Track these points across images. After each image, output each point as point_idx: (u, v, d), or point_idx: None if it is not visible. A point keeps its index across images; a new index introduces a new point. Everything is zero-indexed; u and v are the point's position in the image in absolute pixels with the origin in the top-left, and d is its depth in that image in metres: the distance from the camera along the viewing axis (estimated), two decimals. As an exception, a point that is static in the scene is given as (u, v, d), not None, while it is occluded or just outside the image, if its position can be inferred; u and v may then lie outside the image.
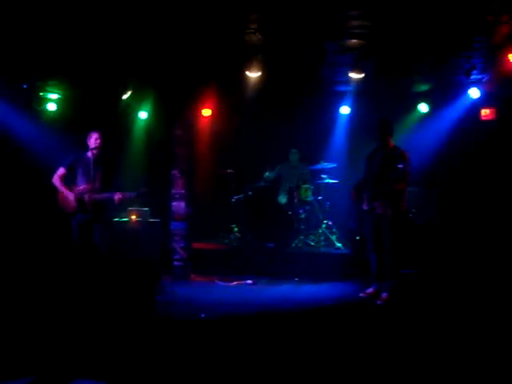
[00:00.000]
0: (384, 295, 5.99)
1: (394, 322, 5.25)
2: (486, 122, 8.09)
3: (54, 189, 6.18)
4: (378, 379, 3.79)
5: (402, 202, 6.04)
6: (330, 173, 8.75)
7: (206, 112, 9.53)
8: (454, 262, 6.86)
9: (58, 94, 8.45)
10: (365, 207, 6.17)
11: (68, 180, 6.18)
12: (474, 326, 4.90)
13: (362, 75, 7.13)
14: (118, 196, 6.03)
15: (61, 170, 6.13)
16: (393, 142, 6.20)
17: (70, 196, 6.07)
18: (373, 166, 6.21)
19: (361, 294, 6.29)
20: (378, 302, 5.97)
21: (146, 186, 6.41)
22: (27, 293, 5.89)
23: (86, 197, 6.05)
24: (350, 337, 4.79)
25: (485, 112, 8.10)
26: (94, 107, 8.37)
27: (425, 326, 5.04)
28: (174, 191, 7.63)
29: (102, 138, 6.18)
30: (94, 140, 6.12)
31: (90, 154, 6.17)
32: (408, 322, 5.20)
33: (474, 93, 7.97)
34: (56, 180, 6.14)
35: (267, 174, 8.84)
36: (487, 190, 7.82)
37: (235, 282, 7.24)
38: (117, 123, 8.72)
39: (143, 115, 9.17)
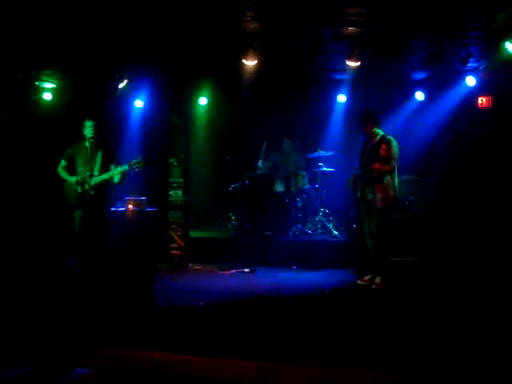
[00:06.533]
0: (377, 280, 6.08)
1: (390, 307, 5.29)
2: (483, 110, 8.09)
3: (61, 180, 6.20)
4: (376, 359, 3.84)
5: (389, 188, 6.08)
6: (326, 161, 8.75)
7: (203, 100, 9.53)
8: (453, 248, 6.91)
9: (54, 83, 8.42)
10: (358, 195, 6.31)
11: (69, 170, 6.20)
12: (468, 310, 4.94)
13: (359, 63, 7.11)
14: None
15: (62, 163, 6.21)
16: (380, 131, 6.25)
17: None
18: (363, 156, 6.37)
19: (358, 281, 6.34)
20: (373, 287, 6.07)
21: None
22: (27, 284, 5.94)
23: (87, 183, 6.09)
24: (347, 321, 4.83)
25: (481, 100, 8.10)
26: (90, 96, 8.34)
27: (420, 311, 5.09)
28: (171, 180, 7.62)
29: (97, 126, 6.21)
30: (88, 129, 6.16)
31: (86, 142, 6.20)
32: (404, 307, 5.24)
33: (471, 81, 7.97)
34: (61, 172, 6.18)
35: (260, 163, 8.84)
36: (484, 177, 7.84)
37: (233, 271, 7.26)
38: (113, 112, 8.69)
39: (139, 104, 9.15)
